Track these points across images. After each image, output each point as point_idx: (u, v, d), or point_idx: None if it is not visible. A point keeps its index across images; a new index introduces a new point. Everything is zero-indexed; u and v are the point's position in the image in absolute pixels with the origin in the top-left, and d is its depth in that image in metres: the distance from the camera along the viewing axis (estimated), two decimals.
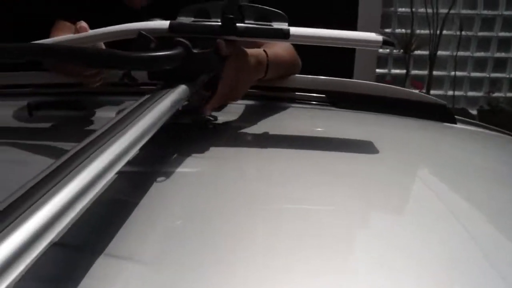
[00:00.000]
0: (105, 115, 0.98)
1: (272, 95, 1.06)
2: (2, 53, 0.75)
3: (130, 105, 0.61)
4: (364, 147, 0.77)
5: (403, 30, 3.41)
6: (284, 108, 1.02)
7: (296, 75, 1.04)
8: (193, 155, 0.71)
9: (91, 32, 0.80)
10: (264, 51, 0.93)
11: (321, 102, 1.05)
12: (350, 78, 3.16)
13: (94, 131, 0.50)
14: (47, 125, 0.93)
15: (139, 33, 0.74)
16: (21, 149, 0.79)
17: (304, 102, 1.05)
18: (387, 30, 3.44)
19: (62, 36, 0.83)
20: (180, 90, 0.69)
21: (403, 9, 3.48)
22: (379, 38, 0.77)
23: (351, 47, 0.87)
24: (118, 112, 0.58)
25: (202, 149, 0.73)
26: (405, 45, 3.35)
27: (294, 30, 0.77)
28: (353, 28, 3.43)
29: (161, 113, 0.61)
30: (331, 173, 0.68)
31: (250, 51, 0.88)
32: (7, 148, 0.79)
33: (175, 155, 0.71)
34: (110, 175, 0.44)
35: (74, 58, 0.70)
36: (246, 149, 0.79)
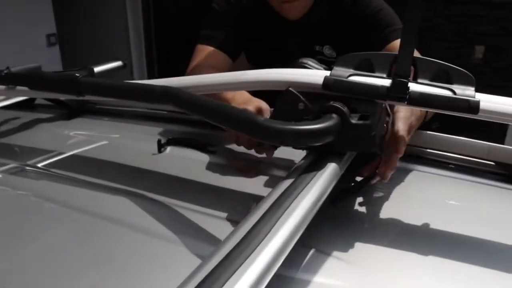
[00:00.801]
0: (232, 162, 0.88)
1: (433, 157, 0.87)
2: (122, 92, 0.70)
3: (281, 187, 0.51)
4: None
5: None
6: (444, 179, 0.82)
7: (469, 139, 0.84)
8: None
9: (235, 77, 0.69)
10: None
11: (496, 174, 0.83)
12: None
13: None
14: (174, 165, 0.86)
15: (287, 90, 0.61)
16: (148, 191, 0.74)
17: (474, 173, 0.84)
18: None
19: (205, 75, 0.73)
20: (331, 171, 0.55)
21: None
22: None
23: None
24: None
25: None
26: None
27: (485, 101, 0.58)
28: None
29: (313, 201, 0.49)
30: None
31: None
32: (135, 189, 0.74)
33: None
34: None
35: (201, 113, 0.59)
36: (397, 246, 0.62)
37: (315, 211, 0.48)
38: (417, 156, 0.87)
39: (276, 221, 0.43)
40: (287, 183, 0.51)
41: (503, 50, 3.32)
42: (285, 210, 0.45)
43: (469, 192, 0.80)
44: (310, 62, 0.73)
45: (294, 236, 0.43)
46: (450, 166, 0.85)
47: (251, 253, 0.38)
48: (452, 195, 0.78)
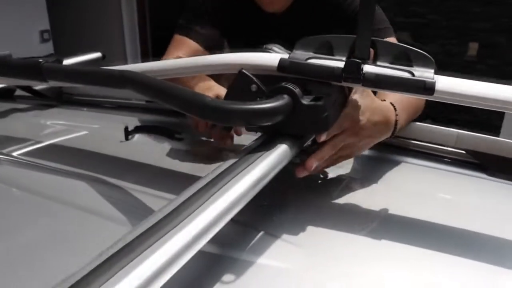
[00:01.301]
0: (198, 149, 0.87)
1: (403, 145, 0.86)
2: (85, 77, 0.69)
3: (223, 165, 0.50)
4: None
5: None
6: (416, 168, 0.81)
7: (437, 127, 0.83)
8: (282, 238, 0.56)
9: (191, 61, 0.68)
10: (391, 104, 0.74)
11: (468, 163, 0.82)
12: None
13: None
14: (141, 152, 0.85)
15: (240, 71, 0.60)
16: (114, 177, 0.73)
17: (445, 161, 0.83)
18: None
19: (159, 62, 0.72)
20: (280, 152, 0.54)
21: None
22: None
23: None
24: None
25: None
26: None
27: (442, 83, 0.57)
28: None
29: (254, 181, 0.47)
30: None
31: (376, 104, 0.70)
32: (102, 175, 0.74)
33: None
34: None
35: (155, 96, 0.58)
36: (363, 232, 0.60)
37: (256, 190, 0.47)
38: (384, 144, 0.85)
39: (209, 198, 0.42)
40: (231, 161, 0.50)
41: (497, 47, 3.30)
42: (221, 188, 0.44)
43: (433, 179, 0.79)
44: (274, 47, 0.73)
45: (227, 214, 0.42)
46: (418, 153, 0.84)
47: (172, 228, 0.37)
48: (416, 182, 0.77)
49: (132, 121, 1.05)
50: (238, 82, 0.60)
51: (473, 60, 3.38)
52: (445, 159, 0.83)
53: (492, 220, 0.64)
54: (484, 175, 0.78)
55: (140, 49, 4.06)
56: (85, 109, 1.18)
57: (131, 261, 0.33)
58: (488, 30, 3.30)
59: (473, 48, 3.39)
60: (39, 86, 1.18)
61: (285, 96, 0.56)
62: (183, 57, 1.06)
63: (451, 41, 3.42)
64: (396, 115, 0.73)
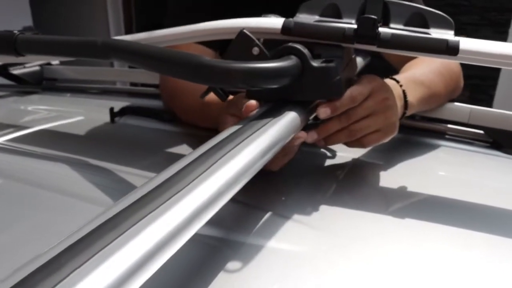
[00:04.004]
0: (192, 129, 0.81)
1: (410, 124, 0.80)
2: (64, 48, 0.62)
3: (223, 134, 0.42)
4: None
5: None
6: (427, 146, 0.75)
7: (450, 103, 0.77)
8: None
9: (189, 28, 0.61)
10: (395, 80, 0.67)
11: (479, 141, 0.77)
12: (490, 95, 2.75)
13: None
14: (129, 134, 0.78)
15: (241, 32, 0.53)
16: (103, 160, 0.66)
17: (454, 139, 0.78)
18: None
19: (146, 32, 0.65)
20: (289, 120, 0.47)
21: None
22: None
23: None
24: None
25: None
26: None
27: (465, 43, 0.51)
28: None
29: (260, 151, 0.40)
30: None
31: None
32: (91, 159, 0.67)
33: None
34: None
35: (143, 62, 0.51)
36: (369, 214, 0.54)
37: (262, 163, 0.40)
38: None
39: (205, 170, 0.34)
40: (231, 129, 0.43)
41: (484, 39, 3.29)
42: (220, 159, 0.36)
43: (446, 157, 0.74)
44: (273, 16, 0.66)
45: (227, 190, 0.34)
46: (430, 132, 0.79)
47: (160, 205, 0.29)
48: (430, 160, 0.71)
49: (119, 105, 0.99)
50: (238, 44, 0.53)
51: None
52: (458, 138, 0.78)
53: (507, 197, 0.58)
54: (499, 153, 0.73)
55: None
56: (68, 95, 1.10)
57: (110, 243, 0.25)
58: (476, 23, 3.28)
59: None
60: (18, 71, 1.10)
61: (293, 56, 0.50)
62: None
63: None
64: (401, 86, 0.66)
